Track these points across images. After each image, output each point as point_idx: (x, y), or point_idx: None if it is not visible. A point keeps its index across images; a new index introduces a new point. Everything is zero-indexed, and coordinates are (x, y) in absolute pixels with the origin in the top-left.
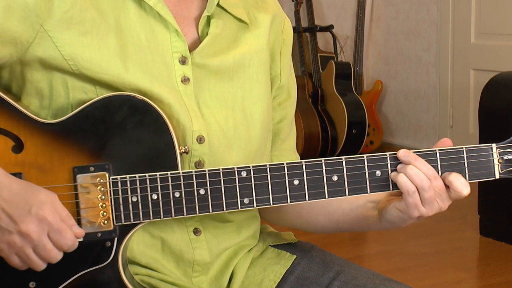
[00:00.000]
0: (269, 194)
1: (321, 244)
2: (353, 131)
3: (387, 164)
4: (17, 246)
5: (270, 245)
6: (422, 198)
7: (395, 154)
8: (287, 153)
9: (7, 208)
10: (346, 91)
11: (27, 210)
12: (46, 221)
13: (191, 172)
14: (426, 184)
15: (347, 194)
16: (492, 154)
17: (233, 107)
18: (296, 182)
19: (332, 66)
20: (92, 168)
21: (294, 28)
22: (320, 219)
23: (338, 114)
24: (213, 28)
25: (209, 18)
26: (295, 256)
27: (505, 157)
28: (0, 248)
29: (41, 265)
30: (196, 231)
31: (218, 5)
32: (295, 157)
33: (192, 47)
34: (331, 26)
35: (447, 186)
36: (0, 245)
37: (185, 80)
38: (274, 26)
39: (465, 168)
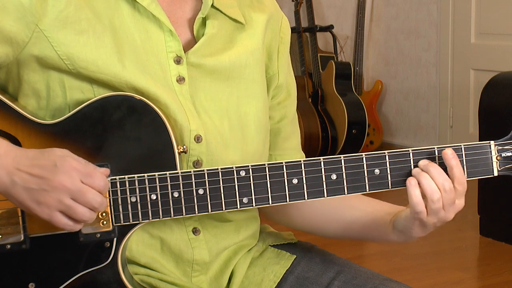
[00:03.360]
0: (268, 193)
1: (321, 244)
2: (353, 131)
3: (386, 162)
4: (56, 200)
5: (270, 245)
6: (429, 208)
7: (394, 152)
8: (291, 152)
9: (33, 171)
10: (346, 91)
11: (52, 166)
12: (74, 169)
13: (190, 172)
14: (436, 196)
15: (346, 193)
16: (491, 151)
17: (228, 107)
18: (295, 181)
19: (332, 66)
20: None
21: (294, 28)
22: (331, 227)
23: (338, 114)
24: (209, 29)
25: (204, 20)
26: (295, 256)
27: (503, 154)
28: (41, 211)
29: (86, 213)
30: (195, 231)
31: (212, 6)
32: (299, 156)
33: (187, 48)
34: (331, 26)
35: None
36: (40, 208)
37: (181, 79)
38: (270, 25)
39: (463, 166)
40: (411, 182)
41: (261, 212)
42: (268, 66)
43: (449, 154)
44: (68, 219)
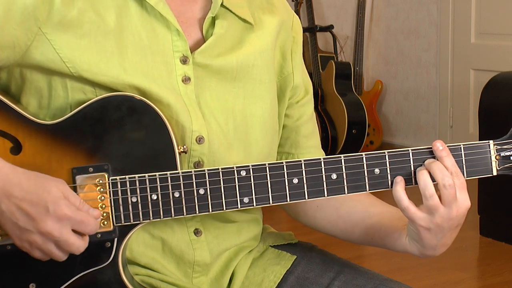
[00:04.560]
0: (268, 193)
1: (321, 244)
2: (353, 131)
3: (386, 162)
4: (38, 243)
5: (270, 246)
6: (424, 205)
7: (393, 152)
8: (313, 150)
9: (23, 206)
10: (346, 91)
11: (44, 208)
12: (66, 216)
13: (191, 172)
14: (428, 191)
15: (346, 192)
16: (490, 151)
17: (234, 108)
18: (295, 180)
19: (332, 66)
20: (91, 169)
21: None
22: (356, 231)
23: (338, 114)
24: (218, 29)
25: (213, 19)
26: (295, 257)
27: (502, 154)
28: (21, 246)
29: (63, 257)
30: (196, 232)
31: (222, 5)
32: (320, 154)
33: (195, 48)
34: (331, 26)
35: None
36: (21, 243)
37: (186, 79)
38: (283, 26)
39: (463, 165)
40: (397, 186)
41: (268, 209)
42: (282, 66)
43: (439, 146)
44: (44, 256)
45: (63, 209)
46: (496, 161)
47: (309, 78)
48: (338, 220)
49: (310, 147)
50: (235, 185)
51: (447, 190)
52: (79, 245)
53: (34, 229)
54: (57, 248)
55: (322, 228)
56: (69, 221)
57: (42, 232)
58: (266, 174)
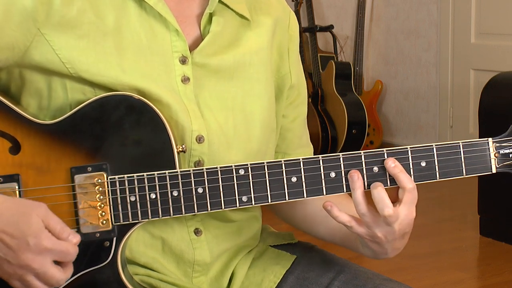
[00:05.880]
0: (267, 192)
1: (321, 244)
2: (353, 131)
3: (385, 160)
4: (17, 275)
5: (270, 246)
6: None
7: (392, 150)
8: (306, 149)
9: (4, 238)
10: (346, 91)
11: (25, 242)
12: (46, 249)
13: (189, 171)
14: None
15: (345, 191)
16: (489, 148)
17: (233, 106)
18: (294, 179)
19: (332, 66)
20: (89, 168)
21: None
22: (320, 230)
23: (338, 114)
24: (214, 26)
25: (211, 16)
26: (295, 257)
27: (501, 151)
28: (1, 274)
29: None
30: (196, 231)
31: (220, 1)
32: (311, 149)
33: (194, 46)
34: (331, 26)
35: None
36: (1, 271)
37: (185, 79)
38: (279, 24)
39: (462, 163)
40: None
41: (267, 209)
42: (279, 65)
43: (390, 164)
44: (23, 287)
45: (44, 243)
46: (495, 159)
47: (304, 80)
48: (304, 217)
49: (303, 146)
50: (234, 184)
51: (387, 220)
52: (59, 277)
53: (14, 260)
54: (36, 279)
55: (292, 223)
56: (50, 253)
57: (22, 265)
58: (265, 173)
